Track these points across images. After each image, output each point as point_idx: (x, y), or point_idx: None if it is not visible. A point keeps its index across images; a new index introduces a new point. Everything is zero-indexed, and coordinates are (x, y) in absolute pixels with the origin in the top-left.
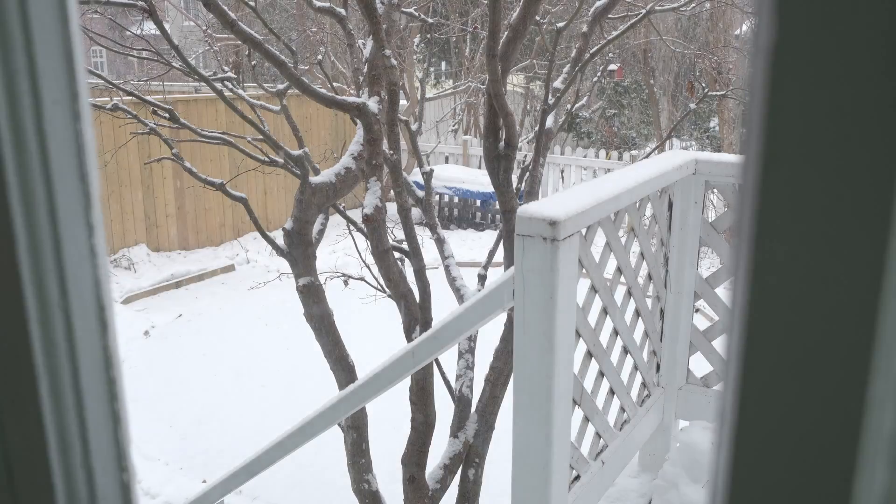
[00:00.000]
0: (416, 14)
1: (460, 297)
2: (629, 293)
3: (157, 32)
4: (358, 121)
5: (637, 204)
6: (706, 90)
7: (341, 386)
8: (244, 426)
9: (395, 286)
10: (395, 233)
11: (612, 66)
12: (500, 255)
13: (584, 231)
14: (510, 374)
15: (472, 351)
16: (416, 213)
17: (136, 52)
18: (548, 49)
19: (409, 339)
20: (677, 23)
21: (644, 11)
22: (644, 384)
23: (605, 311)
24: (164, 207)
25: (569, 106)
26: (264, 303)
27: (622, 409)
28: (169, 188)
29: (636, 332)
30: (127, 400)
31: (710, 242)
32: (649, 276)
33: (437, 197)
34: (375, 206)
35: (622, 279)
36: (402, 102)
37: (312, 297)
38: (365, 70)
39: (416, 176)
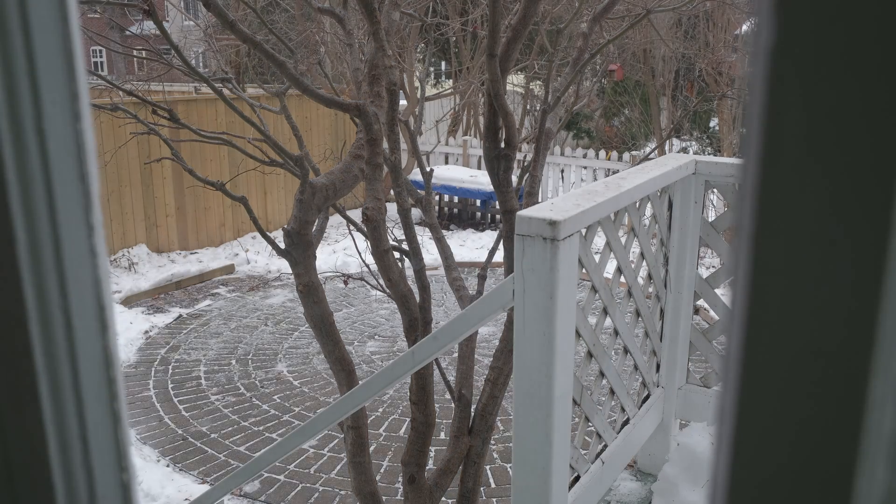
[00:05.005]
0: (415, 14)
1: (460, 298)
2: (629, 293)
3: (157, 32)
4: (358, 121)
5: (637, 204)
6: (706, 90)
7: (341, 386)
8: (244, 427)
9: (395, 286)
10: (395, 233)
11: (612, 67)
12: (500, 255)
13: (583, 231)
14: (510, 373)
15: (471, 352)
16: (416, 213)
17: (136, 51)
18: (548, 49)
19: (409, 338)
20: (678, 23)
21: (645, 12)
22: (644, 384)
23: (605, 311)
24: (164, 207)
25: (564, 108)
26: (264, 303)
27: (622, 409)
28: (169, 188)
29: (636, 332)
30: (127, 401)
31: (710, 242)
32: (649, 276)
33: (437, 197)
34: (375, 206)
35: (622, 279)
36: (402, 103)
37: (312, 298)
38: (365, 70)
39: (416, 176)
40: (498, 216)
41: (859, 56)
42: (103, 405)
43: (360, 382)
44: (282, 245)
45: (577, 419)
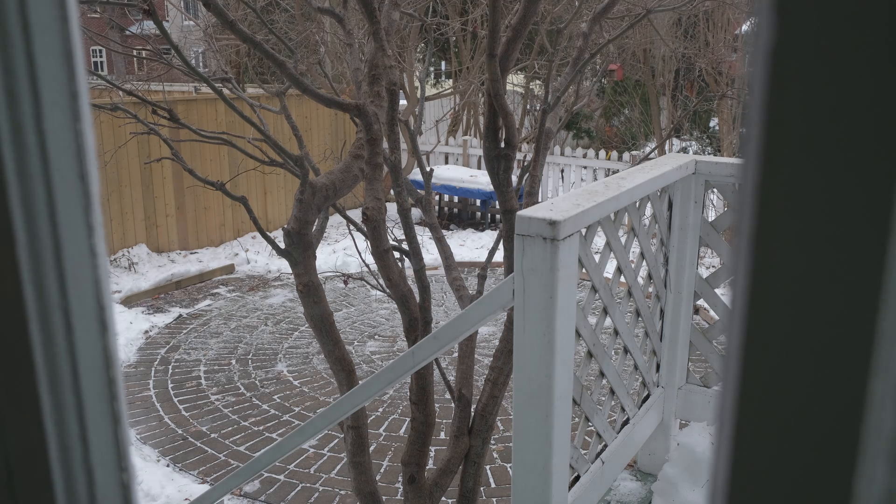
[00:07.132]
0: (415, 14)
1: (460, 298)
2: (629, 293)
3: (157, 32)
4: (358, 121)
5: (637, 204)
6: (707, 90)
7: (341, 386)
8: (244, 427)
9: (395, 286)
10: (395, 233)
11: (612, 67)
12: (500, 255)
13: (583, 231)
14: (510, 373)
15: (471, 352)
16: (416, 213)
17: (136, 51)
18: (548, 49)
19: (409, 338)
20: (677, 23)
21: (645, 12)
22: (644, 384)
23: (605, 311)
24: (164, 207)
25: (564, 108)
26: (264, 303)
27: (622, 409)
28: (169, 188)
29: (636, 332)
30: (127, 401)
31: (710, 242)
32: (649, 276)
33: (437, 197)
34: (375, 206)
35: (622, 279)
36: (402, 103)
37: (312, 298)
38: (365, 70)
39: (416, 176)
40: (498, 216)
41: (859, 56)
42: (103, 405)
43: (360, 382)
44: (282, 245)
45: (577, 419)
